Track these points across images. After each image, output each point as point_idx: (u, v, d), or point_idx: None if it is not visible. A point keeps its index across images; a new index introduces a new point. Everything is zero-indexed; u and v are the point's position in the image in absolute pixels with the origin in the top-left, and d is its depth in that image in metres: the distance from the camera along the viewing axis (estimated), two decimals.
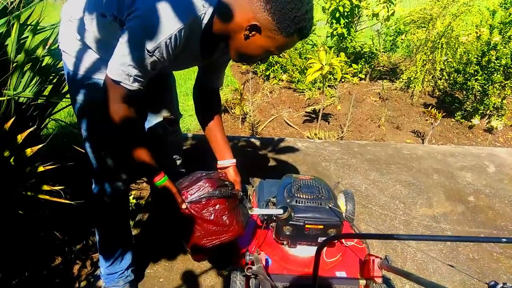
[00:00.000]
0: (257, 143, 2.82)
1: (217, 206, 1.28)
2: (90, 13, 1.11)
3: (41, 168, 1.66)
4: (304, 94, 4.32)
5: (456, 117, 3.53)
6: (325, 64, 3.00)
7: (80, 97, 1.22)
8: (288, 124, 3.66)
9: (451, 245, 1.97)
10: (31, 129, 1.54)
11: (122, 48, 1.00)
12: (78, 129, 1.27)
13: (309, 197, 1.45)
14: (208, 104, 1.43)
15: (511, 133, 3.39)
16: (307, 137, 3.28)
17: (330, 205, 1.44)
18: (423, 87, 4.11)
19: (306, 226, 1.39)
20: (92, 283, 1.89)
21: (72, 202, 1.78)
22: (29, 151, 1.60)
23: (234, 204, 1.35)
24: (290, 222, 1.40)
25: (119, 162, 1.30)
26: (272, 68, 4.71)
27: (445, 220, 2.14)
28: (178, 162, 1.70)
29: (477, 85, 3.20)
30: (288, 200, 1.46)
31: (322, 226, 1.40)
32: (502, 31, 3.09)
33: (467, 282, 1.77)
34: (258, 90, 4.48)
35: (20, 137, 1.56)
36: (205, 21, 1.02)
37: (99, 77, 1.18)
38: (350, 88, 4.51)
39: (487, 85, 3.15)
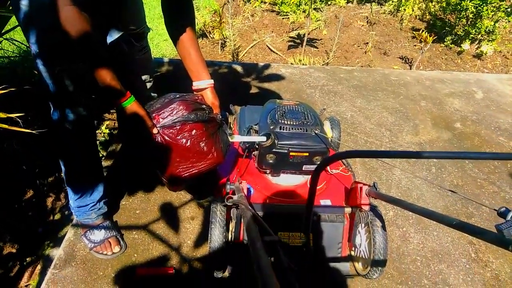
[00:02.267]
0: (238, 68, 2.63)
1: (193, 131, 1.15)
2: None
3: None
4: (288, 18, 4.02)
5: (446, 42, 3.37)
6: None
7: (23, 2, 1.00)
8: (271, 50, 3.44)
9: (436, 171, 1.94)
10: None
11: None
12: (26, 40, 1.06)
13: (294, 123, 1.34)
14: (178, 11, 1.22)
15: (500, 59, 3.28)
16: (291, 63, 3.10)
17: (316, 131, 1.33)
18: (413, 10, 3.88)
19: (291, 153, 1.29)
20: (66, 216, 1.81)
21: (33, 132, 1.62)
22: None
23: (212, 130, 1.22)
24: (274, 150, 1.30)
25: (77, 81, 1.12)
26: None
27: (431, 147, 2.09)
28: (149, 85, 1.52)
29: (472, 5, 3.00)
30: (271, 127, 1.34)
31: (307, 154, 1.31)
32: None
33: (450, 207, 1.76)
34: (238, 13, 4.15)
35: None
36: None
37: None
38: (337, 12, 4.23)
39: (482, 5, 2.96)
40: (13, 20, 2.01)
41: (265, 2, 4.32)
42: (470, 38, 3.24)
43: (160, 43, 3.49)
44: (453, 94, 2.55)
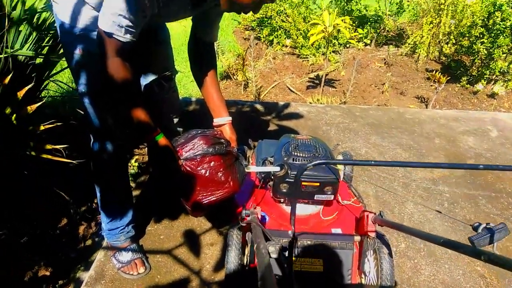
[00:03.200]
0: (259, 107, 2.81)
1: (212, 163, 1.29)
2: None
3: (42, 127, 1.68)
4: (307, 60, 4.25)
5: (461, 83, 3.47)
6: (328, 26, 2.93)
7: (76, 52, 1.21)
8: (291, 90, 3.63)
9: (448, 206, 1.99)
10: (30, 85, 1.55)
11: None
12: (75, 84, 1.26)
13: (306, 155, 1.46)
14: (202, 57, 1.41)
15: None
16: (309, 102, 3.26)
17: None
18: (429, 52, 4.03)
19: (303, 183, 1.41)
20: (97, 242, 1.96)
21: (73, 162, 1.81)
22: (29, 109, 1.61)
23: (229, 162, 1.36)
24: (287, 180, 1.42)
25: (117, 117, 1.30)
26: (276, 33, 4.62)
27: (444, 182, 2.15)
28: (175, 120, 1.71)
29: (483, 48, 3.12)
30: (285, 158, 1.47)
31: (318, 184, 1.42)
32: None
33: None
34: (261, 56, 4.41)
35: (20, 94, 1.56)
36: None
37: (93, 30, 1.16)
38: (355, 54, 4.43)
39: (493, 48, 3.08)
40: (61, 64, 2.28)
41: (286, 46, 4.58)
42: (485, 78, 3.33)
43: (187, 84, 3.75)
44: (468, 132, 2.62)
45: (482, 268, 1.68)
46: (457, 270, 1.65)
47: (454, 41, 3.74)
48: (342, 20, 4.36)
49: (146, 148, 2.42)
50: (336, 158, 1.85)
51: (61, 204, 2.11)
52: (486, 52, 3.17)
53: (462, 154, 2.39)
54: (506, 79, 3.36)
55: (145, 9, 1.01)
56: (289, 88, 3.66)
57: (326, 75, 3.60)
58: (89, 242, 2.00)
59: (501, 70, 3.27)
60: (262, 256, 0.68)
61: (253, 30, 5.11)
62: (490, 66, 3.22)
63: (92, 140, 1.38)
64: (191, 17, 1.36)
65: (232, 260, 1.36)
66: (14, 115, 1.66)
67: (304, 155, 1.47)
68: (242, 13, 1.13)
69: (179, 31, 4.68)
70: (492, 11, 3.10)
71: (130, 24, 1.02)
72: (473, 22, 3.21)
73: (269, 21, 4.66)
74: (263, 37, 4.73)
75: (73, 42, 1.21)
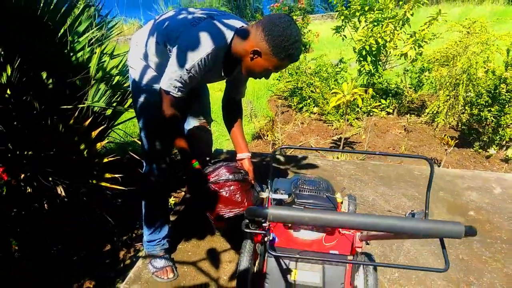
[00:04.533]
0: (281, 159, 3.23)
1: (232, 187, 1.70)
2: (149, 40, 1.63)
3: (105, 159, 2.18)
4: (332, 125, 4.70)
5: (474, 148, 3.73)
6: (346, 94, 3.40)
7: (141, 99, 1.73)
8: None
9: None
10: (102, 127, 2.08)
11: (170, 67, 1.50)
12: (137, 121, 1.76)
13: (310, 188, 1.83)
14: (232, 111, 1.91)
15: None
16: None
17: (327, 194, 1.81)
18: (446, 120, 4.36)
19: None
20: (133, 262, 2.33)
21: (125, 189, 2.27)
22: (99, 145, 2.12)
23: (246, 187, 1.77)
24: (293, 206, 1.78)
25: (164, 148, 1.77)
26: (305, 102, 5.17)
27: None
28: (208, 158, 2.15)
29: (491, 116, 3.43)
30: (293, 189, 1.84)
31: None
32: None
33: (452, 276, 2.00)
34: (290, 121, 4.92)
35: (94, 134, 2.09)
36: (226, 46, 1.50)
37: (155, 86, 1.68)
38: (377, 121, 4.83)
39: (500, 116, 3.38)
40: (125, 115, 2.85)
41: (314, 113, 5.08)
42: (496, 143, 3.59)
43: (223, 142, 4.27)
44: (471, 188, 2.86)
45: None
46: None
47: (469, 110, 4.06)
48: (365, 91, 4.87)
49: (181, 193, 2.86)
50: (343, 200, 2.18)
51: (107, 230, 2.54)
52: (494, 119, 3.47)
53: (463, 206, 2.62)
54: None
55: (192, 78, 1.51)
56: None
57: (347, 138, 4.00)
58: (128, 261, 2.38)
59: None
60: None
61: (286, 99, 5.71)
62: (499, 132, 3.49)
63: (144, 164, 1.85)
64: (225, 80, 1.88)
65: (243, 265, 1.69)
66: (86, 150, 2.18)
67: (309, 187, 1.84)
68: (257, 78, 1.60)
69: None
70: (498, 83, 3.46)
71: (182, 86, 1.52)
72: (479, 92, 3.57)
73: (299, 92, 5.24)
74: (294, 105, 5.29)
75: (139, 93, 1.73)
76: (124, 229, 2.56)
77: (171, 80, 1.50)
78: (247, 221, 1.64)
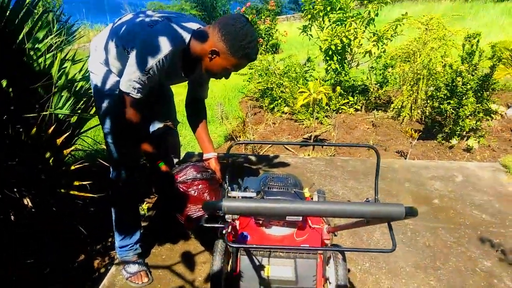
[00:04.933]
0: (253, 159, 3.26)
1: (200, 186, 1.72)
2: (108, 44, 1.63)
3: (73, 167, 2.14)
4: (303, 123, 4.77)
5: (438, 139, 3.89)
6: (313, 92, 3.47)
7: (104, 105, 1.71)
8: (286, 148, 4.09)
9: (411, 234, 2.31)
10: (66, 134, 2.04)
11: (128, 69, 1.51)
12: (101, 126, 1.75)
13: (279, 184, 1.86)
14: (196, 110, 1.92)
15: (488, 152, 3.71)
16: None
17: (295, 190, 1.85)
18: (411, 114, 4.52)
19: None
20: (108, 270, 2.30)
21: (95, 196, 2.24)
22: (64, 152, 2.09)
23: (214, 186, 1.78)
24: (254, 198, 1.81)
25: (130, 152, 1.77)
26: (276, 102, 5.23)
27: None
28: (175, 160, 2.16)
29: (450, 108, 3.59)
30: (262, 187, 1.87)
31: None
32: (467, 60, 3.53)
33: (420, 263, 2.09)
34: (262, 122, 4.96)
35: (59, 141, 2.05)
36: (183, 47, 1.52)
37: (117, 91, 1.67)
38: (346, 118, 4.94)
39: (459, 108, 3.54)
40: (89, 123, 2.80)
41: (285, 113, 5.15)
42: (457, 134, 3.75)
43: (195, 145, 4.27)
44: (435, 178, 2.98)
45: (435, 283, 1.95)
46: (412, 284, 1.93)
47: (431, 104, 4.23)
48: (333, 89, 4.97)
49: (153, 198, 2.85)
50: (312, 196, 2.23)
51: (80, 239, 2.49)
52: (453, 111, 3.63)
53: (428, 195, 2.74)
54: (478, 136, 3.76)
55: (151, 78, 1.51)
56: (285, 147, 4.13)
57: (319, 135, 4.09)
58: (102, 269, 2.34)
59: (471, 128, 3.70)
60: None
61: (257, 100, 5.75)
62: (460, 124, 3.65)
63: (111, 170, 1.83)
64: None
65: (216, 265, 1.70)
66: (52, 158, 2.14)
67: (277, 184, 1.87)
68: (217, 78, 1.63)
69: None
70: (455, 77, 3.62)
71: (140, 87, 1.53)
72: (438, 86, 3.72)
73: (270, 92, 5.30)
74: (265, 105, 5.34)
75: (102, 98, 1.72)
76: (98, 237, 2.52)
77: (130, 81, 1.50)
78: (207, 216, 1.66)
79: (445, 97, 3.65)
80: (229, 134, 4.44)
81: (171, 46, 1.46)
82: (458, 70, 3.57)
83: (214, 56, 1.49)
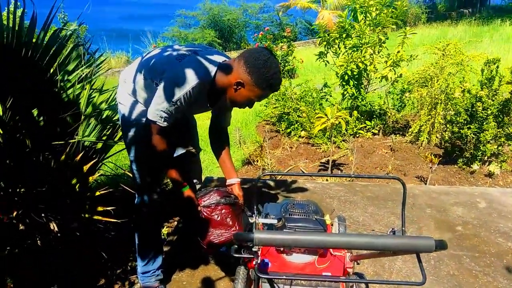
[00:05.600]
0: (271, 183, 3.28)
1: (223, 210, 1.74)
2: (136, 76, 1.71)
3: (98, 193, 2.20)
4: (320, 148, 4.78)
5: (458, 164, 3.84)
6: (331, 117, 3.50)
7: (130, 133, 1.78)
8: (304, 173, 4.10)
9: (434, 263, 2.26)
10: (94, 160, 2.11)
11: (156, 99, 1.58)
12: (128, 154, 1.81)
13: (300, 211, 1.88)
14: (218, 138, 1.97)
15: (511, 177, 3.64)
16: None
17: (316, 217, 1.85)
18: (429, 139, 4.48)
19: None
20: None
21: (118, 221, 2.28)
22: (91, 179, 2.15)
23: (237, 211, 1.81)
24: (284, 230, 1.82)
25: (155, 179, 1.82)
26: (292, 126, 5.27)
27: None
28: (198, 186, 2.19)
29: (470, 133, 3.56)
30: (283, 214, 1.88)
31: None
32: (487, 85, 3.52)
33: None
34: (279, 146, 4.99)
35: (85, 168, 2.12)
36: (209, 79, 1.59)
37: (143, 120, 1.74)
38: (363, 142, 4.94)
39: (479, 133, 3.51)
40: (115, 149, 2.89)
41: (302, 137, 5.18)
42: (478, 159, 3.70)
43: (214, 169, 4.31)
44: (458, 204, 2.93)
45: None
46: None
47: (451, 128, 4.20)
48: (349, 114, 4.99)
49: (174, 223, 2.88)
50: (333, 223, 2.22)
51: (101, 263, 2.52)
52: (474, 136, 3.59)
53: (451, 222, 2.69)
54: (500, 160, 3.70)
55: (178, 109, 1.58)
56: (302, 171, 4.14)
57: (336, 160, 4.09)
58: None
59: (493, 152, 3.64)
60: None
61: (274, 124, 5.81)
62: (480, 148, 3.61)
63: (136, 196, 1.88)
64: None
65: None
66: (78, 184, 2.20)
67: (298, 211, 1.89)
68: (241, 108, 1.69)
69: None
70: (474, 102, 3.60)
71: (167, 116, 1.59)
72: (457, 111, 3.71)
73: (286, 117, 5.35)
74: (282, 130, 5.38)
75: (129, 127, 1.79)
76: (118, 262, 2.55)
77: (158, 111, 1.58)
78: (236, 246, 1.68)
79: (465, 121, 3.62)
80: (247, 159, 4.48)
81: (197, 78, 1.52)
82: (478, 95, 3.56)
83: (239, 87, 1.55)
